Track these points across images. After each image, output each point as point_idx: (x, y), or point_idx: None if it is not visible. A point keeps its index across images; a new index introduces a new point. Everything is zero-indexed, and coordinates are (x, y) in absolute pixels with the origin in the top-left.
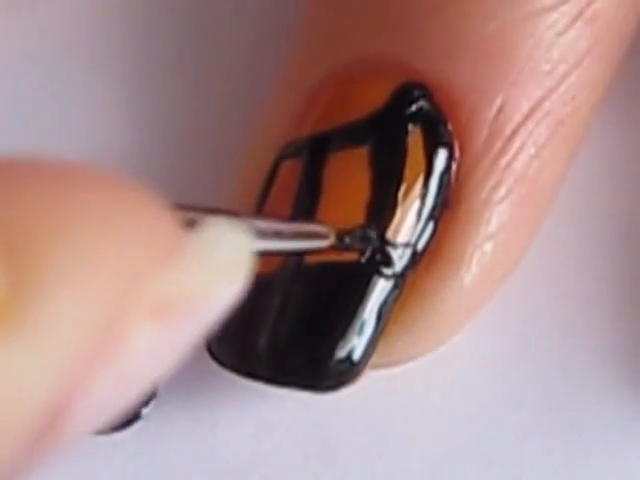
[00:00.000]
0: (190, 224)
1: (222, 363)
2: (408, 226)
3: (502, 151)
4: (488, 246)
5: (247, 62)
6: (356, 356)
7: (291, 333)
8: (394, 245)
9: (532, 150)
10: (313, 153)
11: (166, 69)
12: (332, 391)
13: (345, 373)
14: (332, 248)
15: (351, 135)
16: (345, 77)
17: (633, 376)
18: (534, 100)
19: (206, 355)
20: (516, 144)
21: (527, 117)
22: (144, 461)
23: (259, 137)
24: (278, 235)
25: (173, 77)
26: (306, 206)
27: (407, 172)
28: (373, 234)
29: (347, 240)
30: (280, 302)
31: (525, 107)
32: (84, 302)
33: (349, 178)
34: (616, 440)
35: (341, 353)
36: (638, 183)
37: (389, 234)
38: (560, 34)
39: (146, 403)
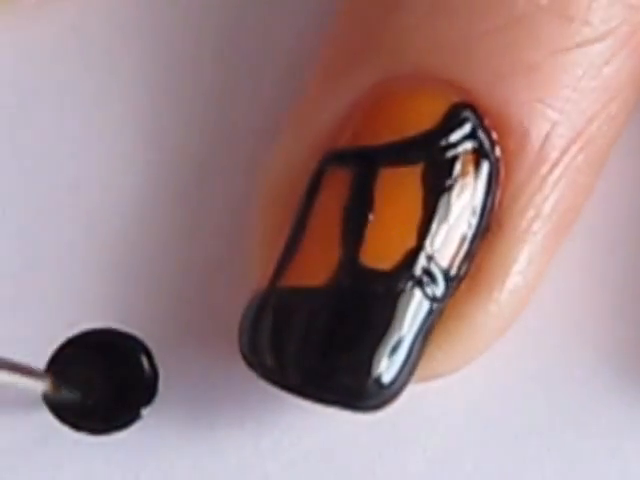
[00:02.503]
0: None
1: (255, 371)
2: (455, 248)
3: (545, 179)
4: (527, 272)
5: (272, 60)
6: (393, 376)
7: (331, 351)
8: (441, 267)
9: (571, 178)
10: (365, 166)
11: (179, 68)
12: (371, 411)
13: (383, 393)
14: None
15: (403, 152)
16: (394, 90)
17: (633, 376)
18: (578, 129)
19: (206, 355)
20: (558, 172)
21: (570, 145)
22: (144, 461)
23: (291, 142)
24: None
25: (182, 77)
26: (357, 221)
27: (456, 194)
28: None
29: None
30: (319, 319)
31: (570, 135)
32: None
33: (401, 196)
34: (616, 440)
35: (378, 372)
36: (639, 184)
37: (438, 256)
38: (606, 64)
39: (146, 403)
